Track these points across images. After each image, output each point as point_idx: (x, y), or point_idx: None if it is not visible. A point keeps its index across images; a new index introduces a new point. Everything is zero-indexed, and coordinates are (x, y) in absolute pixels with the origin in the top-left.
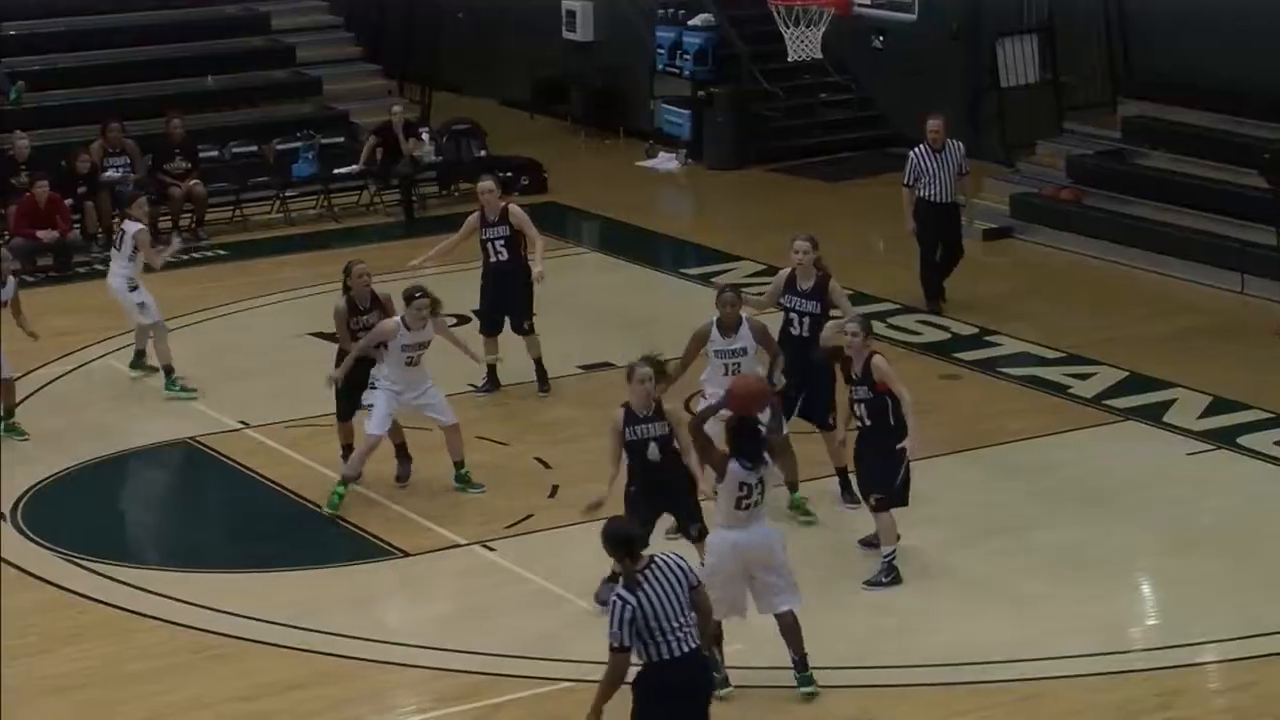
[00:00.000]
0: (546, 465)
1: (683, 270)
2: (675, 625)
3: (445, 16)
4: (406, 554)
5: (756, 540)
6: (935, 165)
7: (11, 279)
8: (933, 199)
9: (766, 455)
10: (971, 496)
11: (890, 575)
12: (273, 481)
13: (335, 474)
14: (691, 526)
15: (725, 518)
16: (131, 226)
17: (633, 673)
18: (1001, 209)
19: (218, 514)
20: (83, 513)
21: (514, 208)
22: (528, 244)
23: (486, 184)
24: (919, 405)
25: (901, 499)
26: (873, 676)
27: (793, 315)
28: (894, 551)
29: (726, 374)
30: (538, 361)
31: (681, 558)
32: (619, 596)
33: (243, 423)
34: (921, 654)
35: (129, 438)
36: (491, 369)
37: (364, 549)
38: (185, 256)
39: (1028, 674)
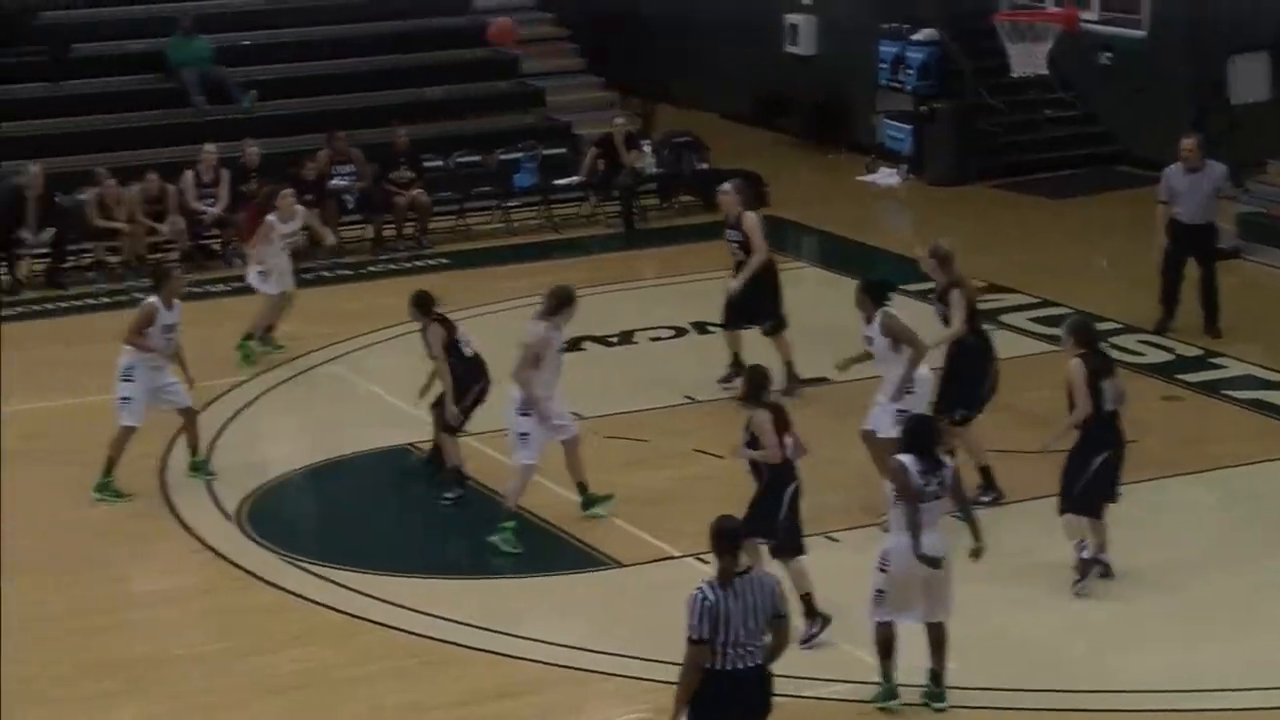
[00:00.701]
0: None
1: (902, 287)
2: (744, 640)
3: (668, 30)
4: (621, 564)
5: (942, 548)
6: (1186, 185)
7: (178, 302)
8: (1184, 219)
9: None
10: (1192, 520)
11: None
12: (489, 489)
13: (552, 482)
14: None
15: (902, 519)
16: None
17: None
18: (1228, 229)
19: (436, 520)
20: (305, 516)
21: (747, 215)
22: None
23: (723, 187)
24: (1137, 425)
25: (1087, 507)
26: (1085, 700)
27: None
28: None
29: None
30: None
31: (777, 581)
32: (702, 590)
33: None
34: (1138, 679)
35: (350, 443)
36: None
37: (579, 558)
38: (408, 264)
39: (1252, 703)
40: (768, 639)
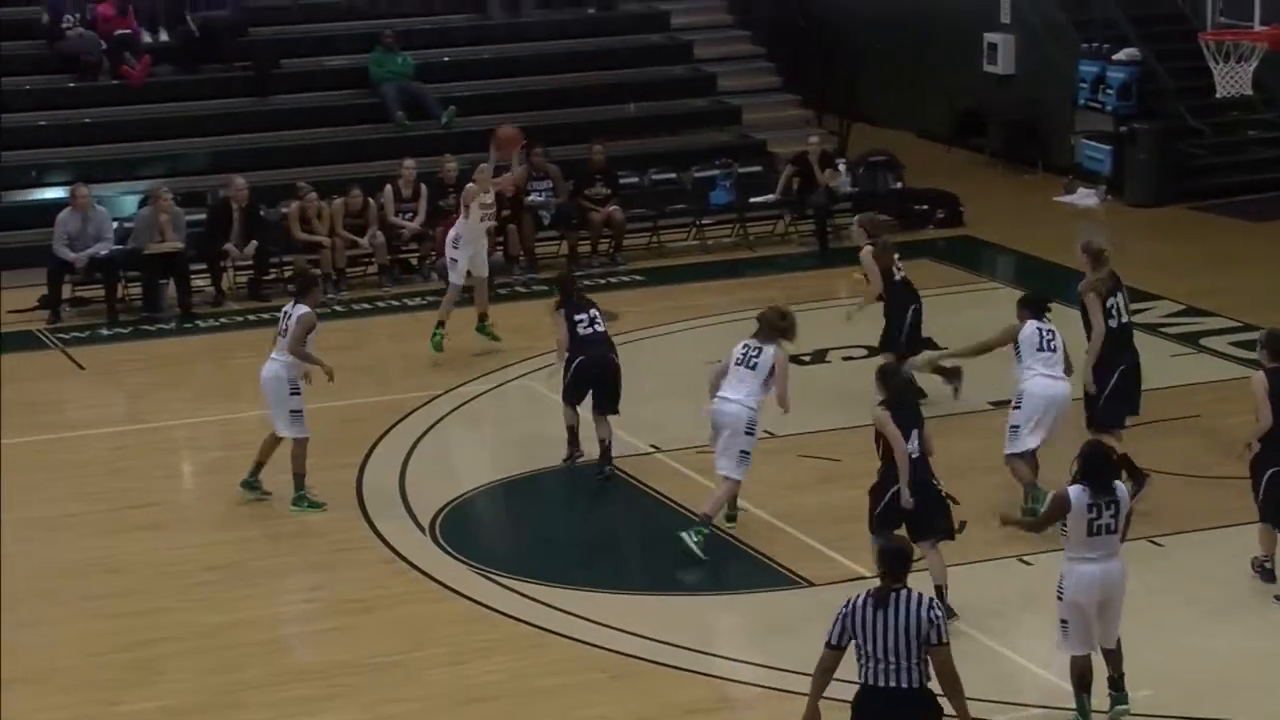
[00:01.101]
0: (955, 500)
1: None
2: (894, 658)
3: (864, 48)
4: (811, 584)
5: (1117, 578)
6: None
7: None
8: None
9: (1118, 483)
10: None
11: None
12: (682, 506)
13: (748, 504)
14: None
15: (1076, 548)
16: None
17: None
18: None
19: (627, 536)
20: (497, 529)
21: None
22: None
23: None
24: None
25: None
26: None
27: None
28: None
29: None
30: None
31: (940, 611)
32: (847, 600)
33: (654, 446)
34: None
35: (542, 457)
36: None
37: (770, 577)
38: (603, 280)
39: None
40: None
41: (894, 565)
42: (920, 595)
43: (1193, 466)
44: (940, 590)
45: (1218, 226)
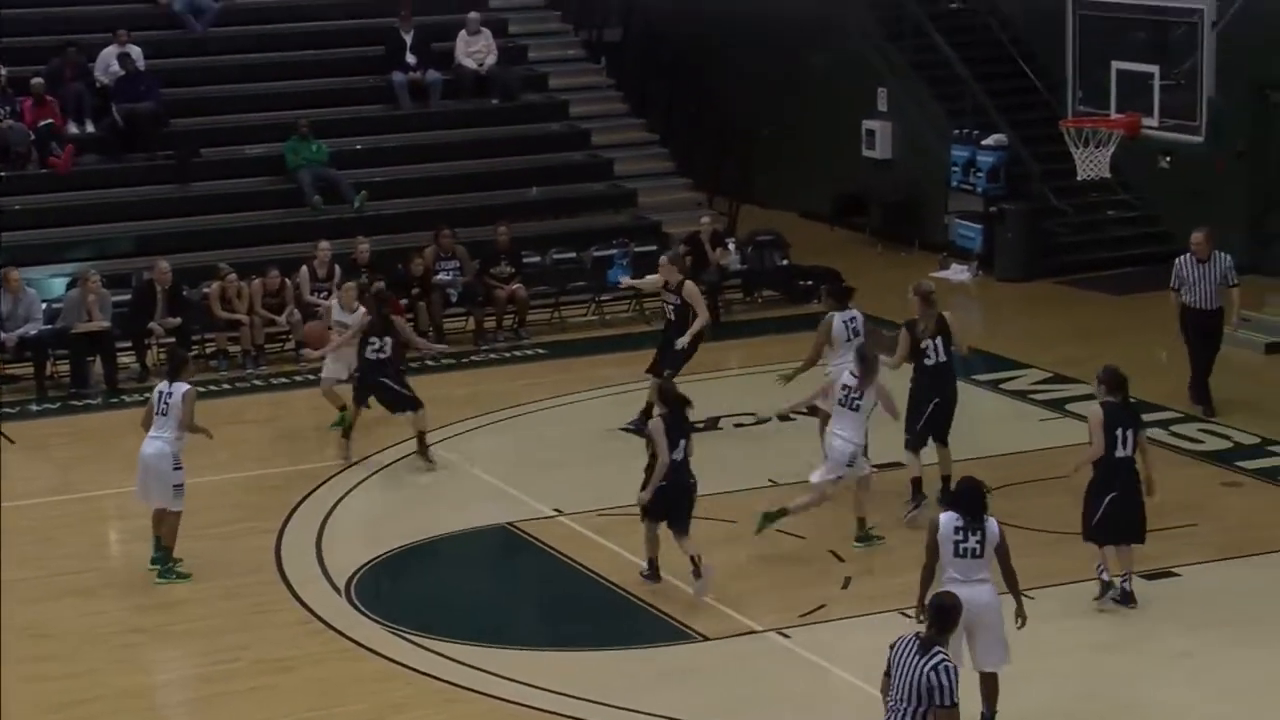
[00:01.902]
0: (840, 558)
1: (973, 377)
2: (905, 704)
3: (754, 134)
4: (706, 638)
5: (981, 600)
6: (1197, 274)
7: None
8: (1195, 305)
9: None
10: (1251, 602)
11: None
12: (583, 565)
13: (642, 560)
14: None
15: (945, 569)
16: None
17: None
18: None
19: (532, 595)
20: (410, 590)
21: (688, 283)
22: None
23: (661, 259)
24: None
25: (1102, 536)
26: None
27: None
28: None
29: None
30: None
31: (951, 678)
32: (900, 636)
33: (557, 510)
34: None
35: (452, 521)
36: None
37: (666, 632)
38: (508, 354)
39: None
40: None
41: (938, 618)
42: (943, 657)
43: (1060, 524)
44: (653, 562)
45: (1081, 300)
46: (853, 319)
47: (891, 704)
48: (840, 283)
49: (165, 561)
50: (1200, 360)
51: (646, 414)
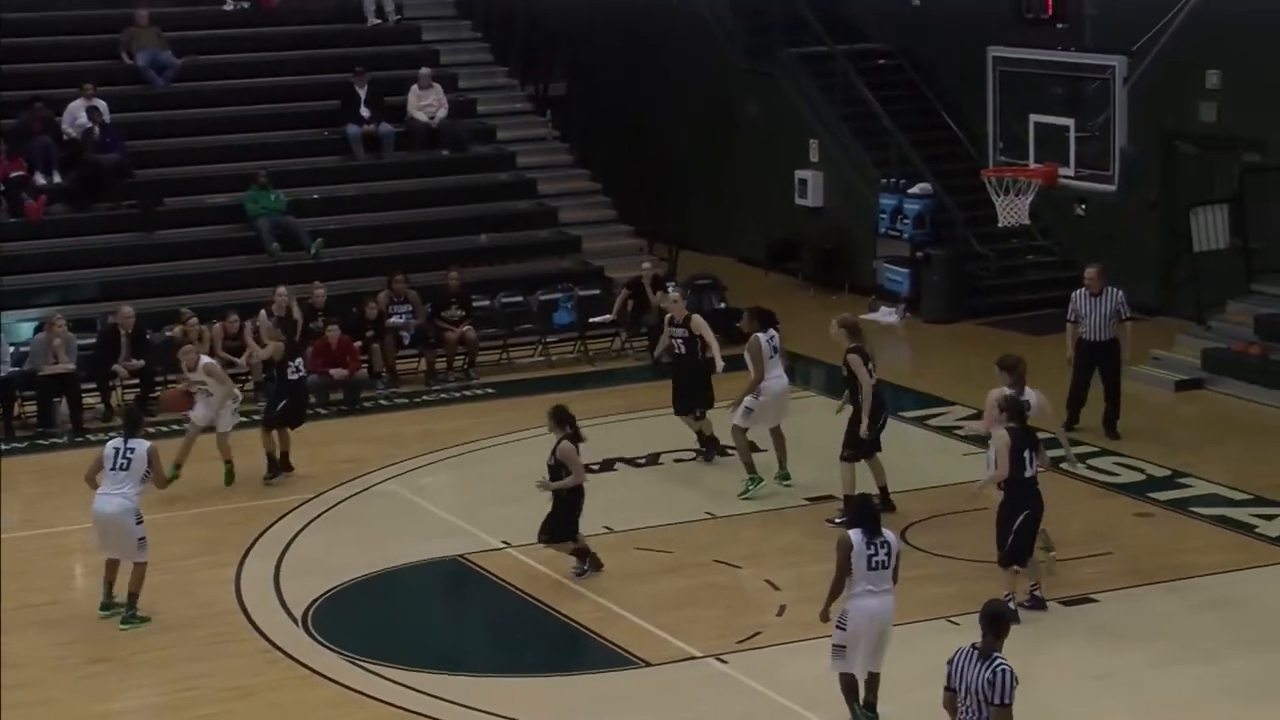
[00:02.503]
0: (776, 587)
1: (900, 413)
2: (976, 707)
3: (691, 183)
4: (648, 663)
5: (890, 609)
6: (1091, 307)
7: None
8: (1089, 337)
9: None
10: (1163, 626)
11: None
12: (530, 595)
13: (589, 592)
14: None
15: (859, 583)
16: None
17: None
18: (1194, 362)
19: (481, 624)
20: (364, 620)
21: (695, 317)
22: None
23: (672, 295)
24: (1111, 539)
25: (1016, 558)
26: None
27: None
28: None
29: None
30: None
31: (1009, 679)
32: (957, 650)
33: (505, 543)
34: None
35: (406, 554)
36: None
37: (610, 658)
38: (458, 394)
39: None
40: None
41: (994, 625)
42: (1001, 661)
43: (983, 554)
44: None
45: (1002, 340)
46: (772, 337)
47: (963, 715)
48: (761, 308)
49: (131, 607)
50: (1079, 385)
51: (704, 442)
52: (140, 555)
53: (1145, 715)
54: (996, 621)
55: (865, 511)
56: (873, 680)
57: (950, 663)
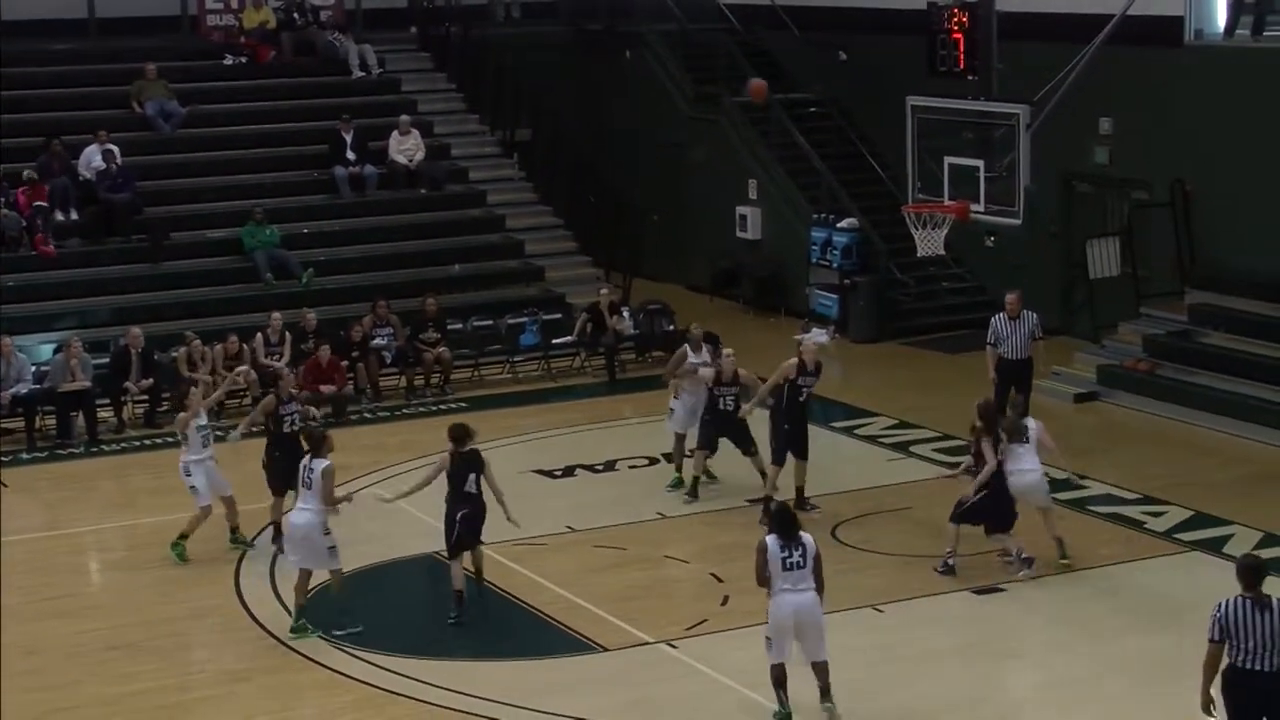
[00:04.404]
0: (720, 579)
1: (831, 424)
2: (1258, 649)
3: (643, 219)
4: (606, 649)
5: (809, 604)
6: (1010, 330)
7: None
8: (1008, 356)
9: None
10: (1064, 611)
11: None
12: (500, 588)
13: (553, 585)
14: None
15: (778, 582)
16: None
17: None
18: (1089, 377)
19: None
20: (351, 610)
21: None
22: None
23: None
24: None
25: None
26: None
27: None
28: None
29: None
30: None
31: None
32: (1218, 605)
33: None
34: None
35: (386, 551)
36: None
37: (572, 644)
38: (435, 407)
39: None
40: None
41: (1250, 577)
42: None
43: (905, 549)
44: (478, 572)
45: (922, 358)
46: (704, 360)
47: (1245, 660)
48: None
49: (300, 617)
50: (1001, 402)
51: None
52: (333, 563)
53: (1048, 691)
54: (1251, 573)
55: (780, 518)
56: (820, 669)
57: (1218, 620)
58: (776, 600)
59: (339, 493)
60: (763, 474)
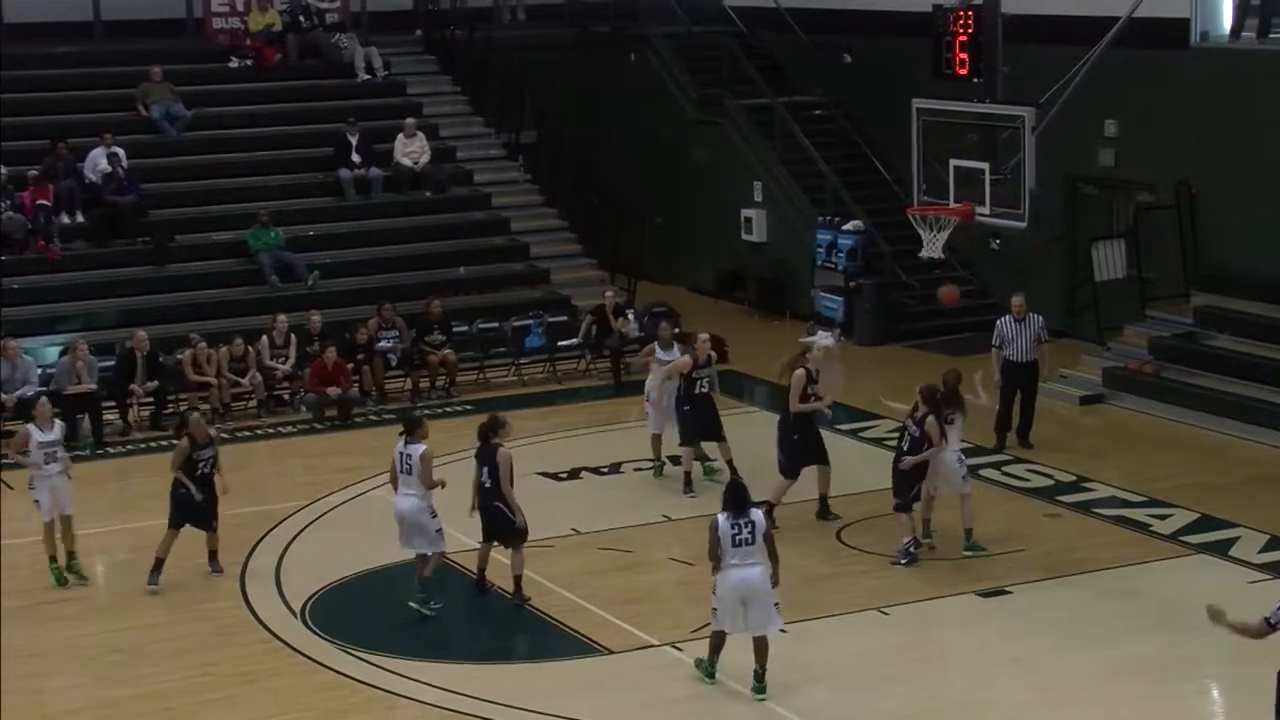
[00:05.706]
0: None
1: (837, 427)
2: None
3: (647, 222)
4: (611, 651)
5: (755, 578)
6: (1016, 332)
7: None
8: (1014, 359)
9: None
10: (1068, 614)
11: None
12: (504, 590)
13: (558, 587)
14: None
15: (727, 558)
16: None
17: None
18: (1095, 380)
19: (459, 616)
20: (357, 613)
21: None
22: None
23: (701, 337)
24: (1023, 538)
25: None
26: None
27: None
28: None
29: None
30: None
31: None
32: None
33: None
34: None
35: (392, 554)
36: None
37: (577, 646)
38: (440, 410)
39: None
40: None
41: None
42: None
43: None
44: (518, 580)
45: (925, 360)
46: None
47: None
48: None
49: (424, 590)
50: (1007, 404)
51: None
52: (439, 545)
53: (1049, 694)
54: None
55: (733, 495)
56: (760, 646)
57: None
58: (724, 574)
59: (436, 476)
60: (730, 463)
